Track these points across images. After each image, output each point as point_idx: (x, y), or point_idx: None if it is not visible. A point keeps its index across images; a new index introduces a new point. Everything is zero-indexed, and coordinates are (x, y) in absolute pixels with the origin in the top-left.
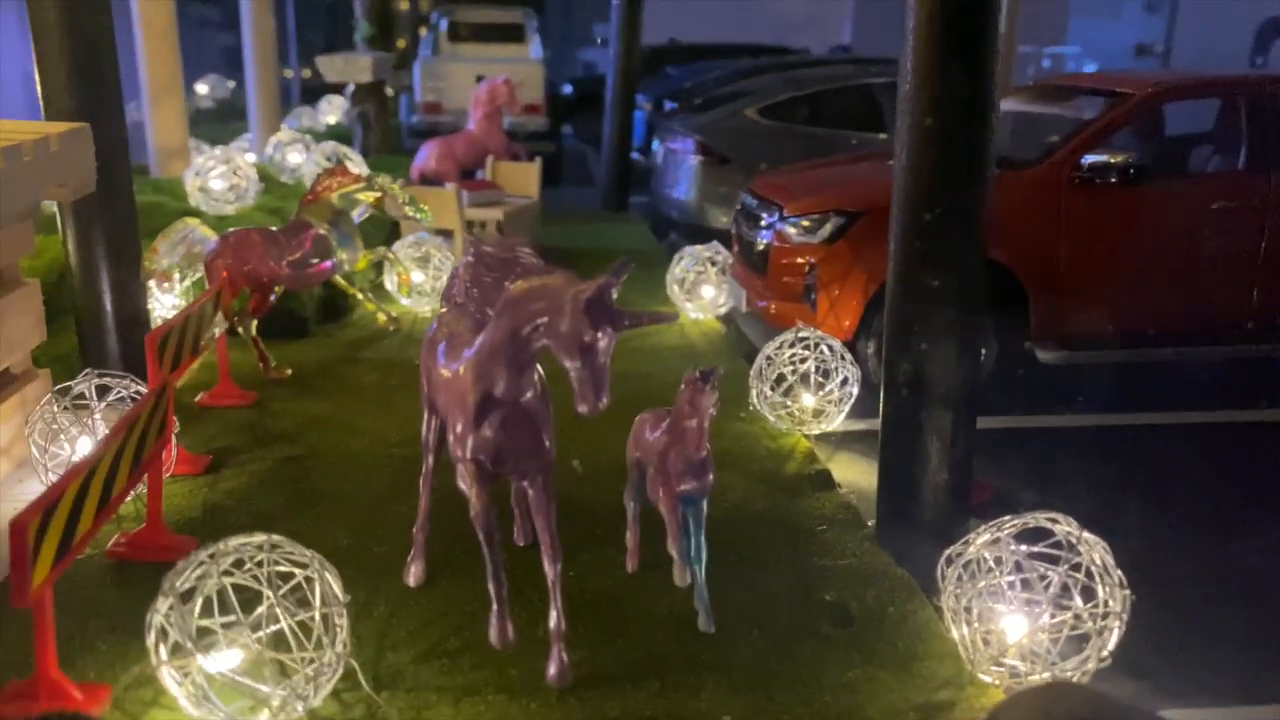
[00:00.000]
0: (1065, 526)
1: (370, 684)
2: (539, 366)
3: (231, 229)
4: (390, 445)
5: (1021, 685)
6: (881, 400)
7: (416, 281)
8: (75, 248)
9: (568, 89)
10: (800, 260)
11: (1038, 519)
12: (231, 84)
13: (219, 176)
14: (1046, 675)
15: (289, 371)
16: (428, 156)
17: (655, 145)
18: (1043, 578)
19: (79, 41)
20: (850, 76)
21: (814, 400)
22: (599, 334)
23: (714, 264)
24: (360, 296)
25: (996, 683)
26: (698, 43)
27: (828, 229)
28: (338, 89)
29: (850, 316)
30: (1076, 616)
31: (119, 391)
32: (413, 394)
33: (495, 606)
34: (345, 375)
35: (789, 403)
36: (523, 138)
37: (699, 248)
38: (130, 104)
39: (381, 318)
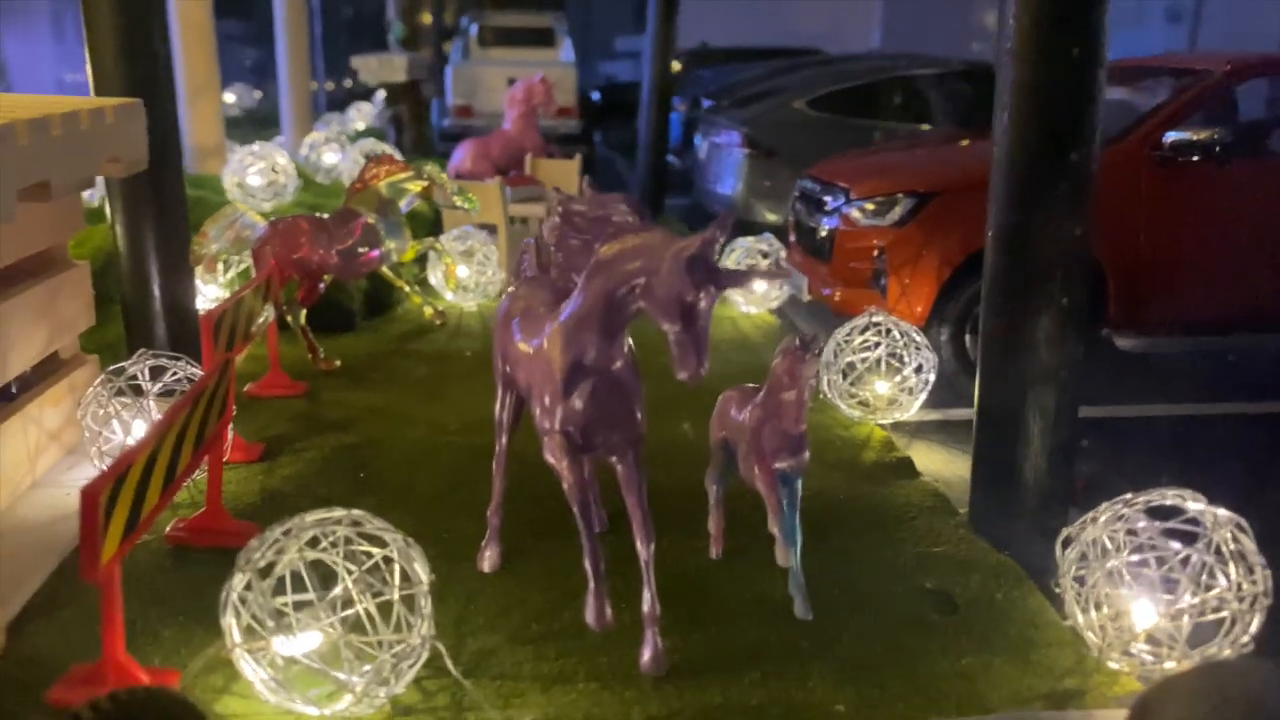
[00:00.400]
0: (1198, 503)
1: (458, 670)
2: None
3: (281, 216)
4: (449, 433)
5: (1154, 673)
6: (978, 380)
7: (461, 276)
8: (124, 232)
9: (596, 96)
10: (868, 244)
11: (1166, 496)
12: (258, 94)
13: (257, 173)
14: (1180, 663)
15: (338, 363)
16: (463, 157)
17: (697, 140)
18: (1173, 560)
19: (130, 19)
20: (897, 68)
21: (888, 388)
22: (701, 294)
23: (765, 256)
24: (407, 289)
25: (1128, 670)
26: (729, 46)
27: (898, 211)
28: (367, 96)
29: (923, 302)
30: (1220, 598)
31: (174, 373)
32: (467, 384)
33: (593, 585)
34: (395, 367)
35: (861, 391)
36: (555, 140)
37: (750, 240)
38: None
39: (428, 311)
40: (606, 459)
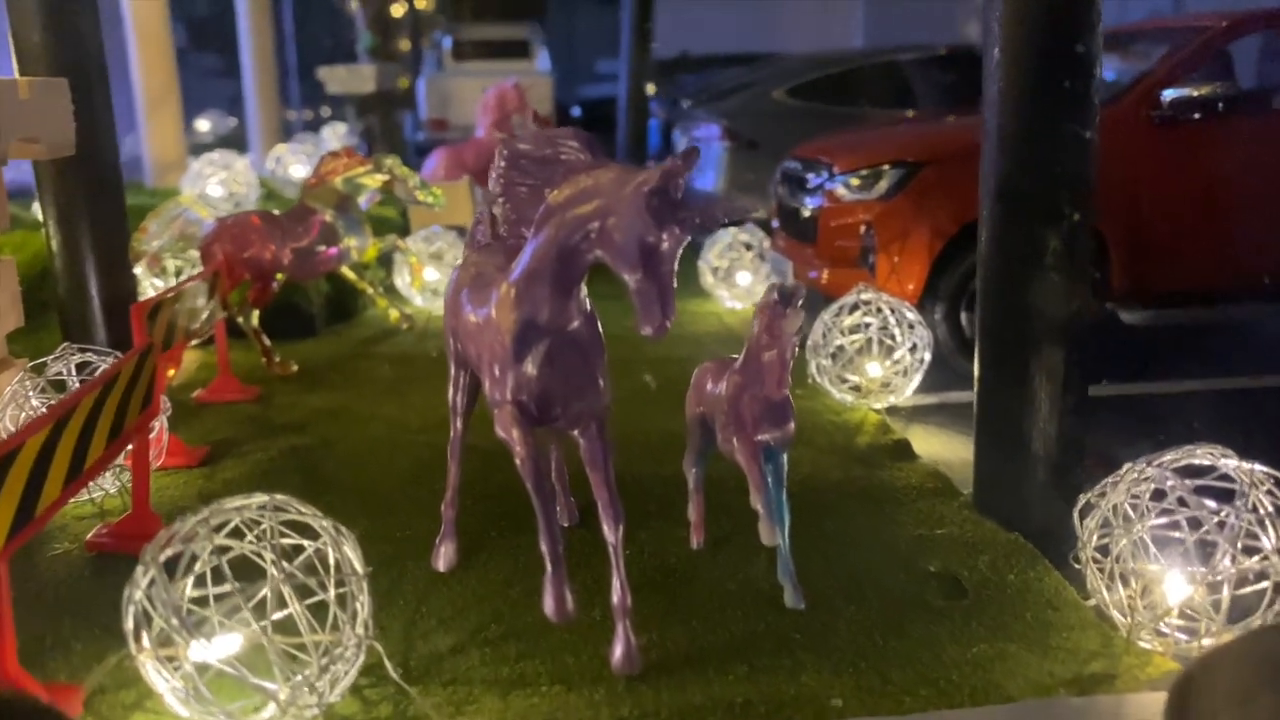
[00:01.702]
0: (1230, 459)
1: (399, 674)
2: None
3: (230, 213)
4: (410, 432)
5: (1190, 652)
6: (977, 346)
7: (429, 279)
8: (56, 227)
9: (576, 111)
10: (855, 221)
11: (1195, 453)
12: (232, 121)
13: (217, 183)
14: (1219, 639)
15: (295, 367)
16: (436, 164)
17: (676, 136)
18: (1208, 523)
19: (56, 9)
20: (878, 53)
21: (881, 370)
22: (664, 234)
23: (749, 248)
24: (370, 292)
25: (1161, 650)
26: (709, 54)
27: (884, 184)
28: (341, 117)
29: (914, 279)
30: (1263, 564)
31: (101, 368)
32: (432, 384)
33: (550, 570)
34: (357, 369)
35: (852, 375)
36: None
37: (733, 230)
38: (127, 137)
39: (394, 314)
40: (567, 432)
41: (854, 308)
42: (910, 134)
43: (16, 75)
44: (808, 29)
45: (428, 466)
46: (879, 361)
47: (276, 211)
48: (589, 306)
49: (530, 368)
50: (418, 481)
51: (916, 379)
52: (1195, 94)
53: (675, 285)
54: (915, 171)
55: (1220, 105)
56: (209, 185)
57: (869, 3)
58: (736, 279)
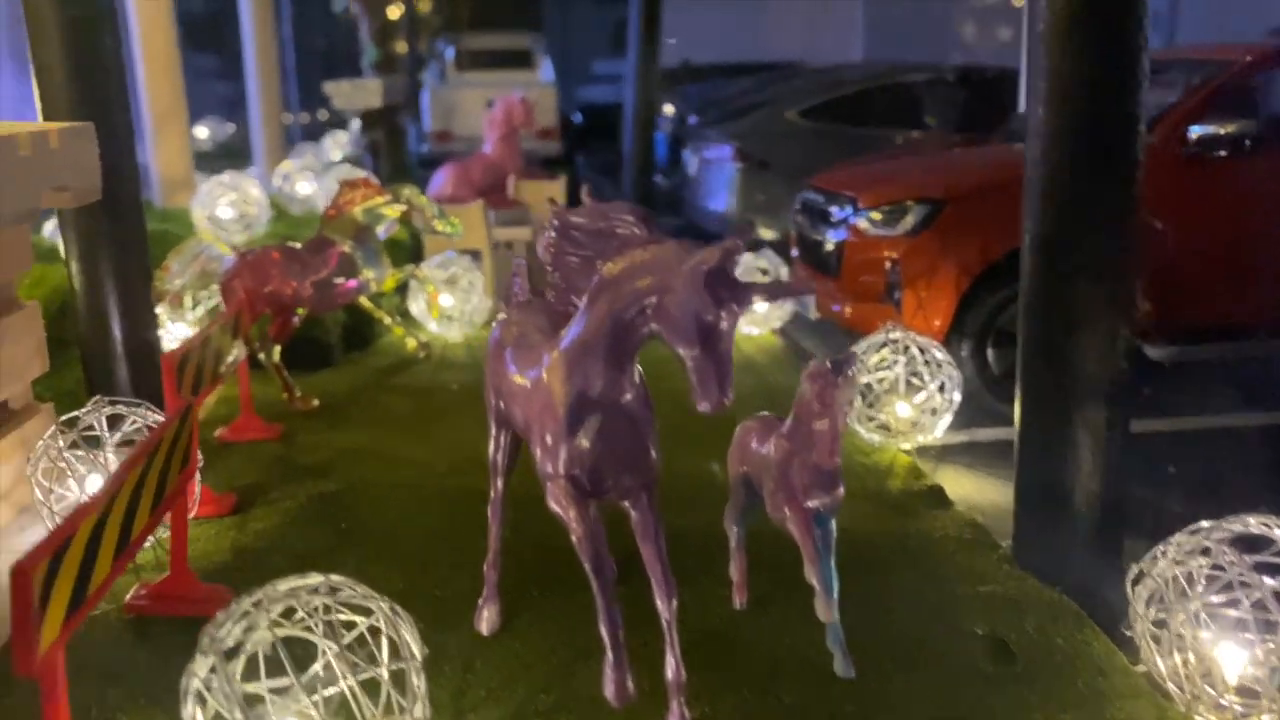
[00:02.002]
0: None
1: None
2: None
3: (250, 247)
4: (437, 475)
5: None
6: (1018, 398)
7: (445, 305)
8: (79, 268)
9: (578, 118)
10: (880, 256)
11: (1249, 523)
12: (231, 127)
13: (228, 205)
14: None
15: (316, 402)
16: (444, 182)
17: (686, 155)
18: (1267, 597)
19: (80, 30)
20: (889, 74)
21: (910, 410)
22: (723, 313)
23: (765, 274)
24: (388, 321)
25: None
26: (712, 63)
27: (910, 220)
28: (342, 125)
29: (941, 315)
30: None
31: (133, 421)
32: (455, 420)
33: (611, 656)
34: (377, 404)
35: (880, 413)
36: (537, 163)
37: (749, 257)
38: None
39: (411, 343)
40: (617, 503)
41: (881, 346)
42: (934, 168)
43: (40, 115)
44: (808, 38)
45: (461, 517)
46: (906, 400)
47: (296, 245)
48: (640, 377)
49: (583, 441)
50: (452, 532)
51: (946, 419)
52: (1222, 131)
53: (732, 362)
54: (941, 208)
55: (1248, 142)
56: (219, 207)
57: (868, 13)
58: (779, 300)
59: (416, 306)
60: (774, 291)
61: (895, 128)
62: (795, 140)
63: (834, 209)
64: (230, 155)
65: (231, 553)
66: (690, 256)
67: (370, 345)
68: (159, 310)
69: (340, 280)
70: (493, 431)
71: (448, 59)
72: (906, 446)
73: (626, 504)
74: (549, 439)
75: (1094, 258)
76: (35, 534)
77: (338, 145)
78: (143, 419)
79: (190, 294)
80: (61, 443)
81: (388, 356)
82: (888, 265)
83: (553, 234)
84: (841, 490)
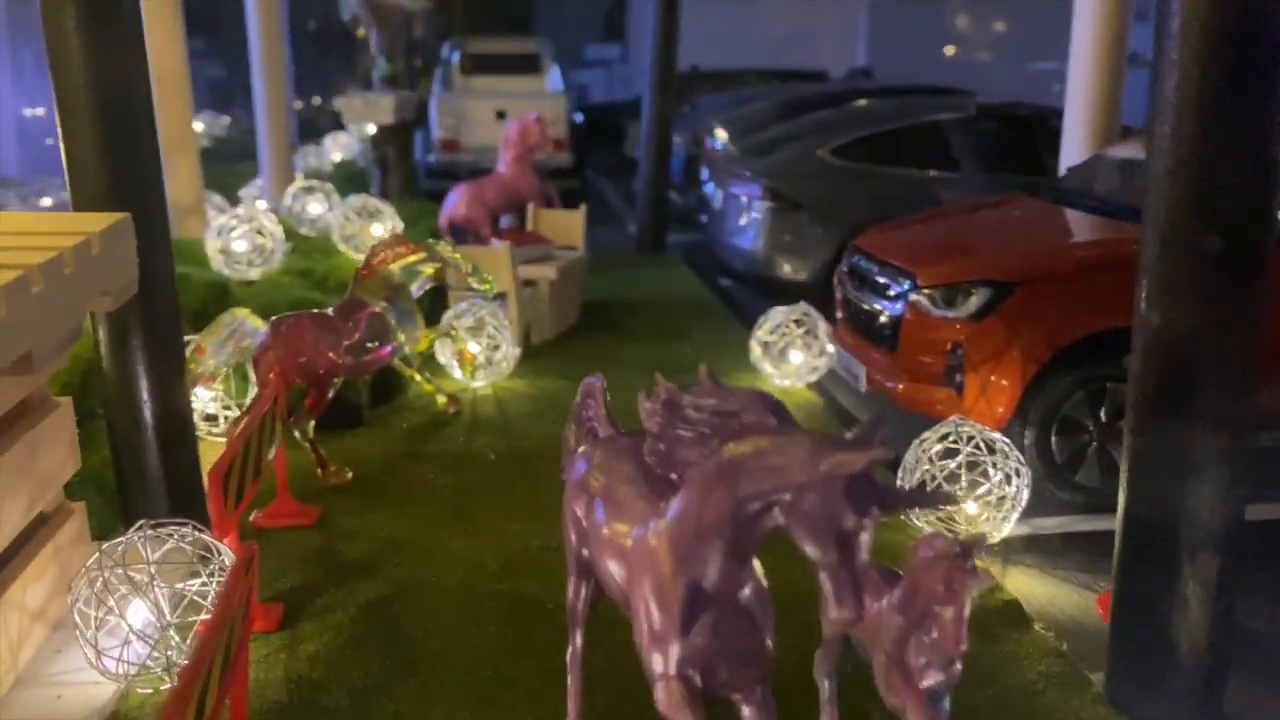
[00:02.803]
0: None
1: None
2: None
3: (282, 315)
4: (489, 579)
5: None
6: (1120, 518)
7: (472, 351)
8: (109, 350)
9: (578, 117)
10: (941, 338)
11: None
12: (226, 119)
13: (241, 237)
14: None
15: (349, 475)
16: (457, 203)
17: (710, 189)
18: None
19: (110, 99)
20: (922, 112)
21: (976, 507)
22: (864, 520)
23: (800, 325)
24: (418, 379)
25: None
26: (720, 68)
27: (974, 302)
28: (339, 124)
29: (1005, 403)
30: None
31: (173, 540)
32: (496, 502)
33: None
34: (412, 476)
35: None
36: (547, 174)
37: (783, 310)
38: None
39: (441, 400)
40: (727, 696)
41: (948, 437)
42: (998, 244)
43: (58, 124)
44: (811, 40)
45: (521, 635)
46: (969, 495)
47: (329, 311)
48: (758, 567)
49: (698, 638)
50: (516, 654)
51: (1014, 518)
52: None
53: (867, 571)
54: (1008, 291)
55: None
56: (234, 241)
57: (872, 19)
58: (789, 356)
59: (444, 355)
60: (917, 500)
61: (927, 168)
62: (827, 179)
63: (889, 282)
64: (229, 155)
65: (285, 684)
66: (828, 455)
67: (396, 397)
68: (194, 393)
69: (374, 345)
70: (573, 579)
71: (453, 63)
72: None
73: (737, 697)
74: (657, 628)
75: (1208, 409)
76: (72, 659)
77: (339, 146)
78: (184, 538)
79: (223, 372)
80: (106, 572)
81: (417, 413)
82: (949, 347)
83: (660, 405)
84: (958, 666)
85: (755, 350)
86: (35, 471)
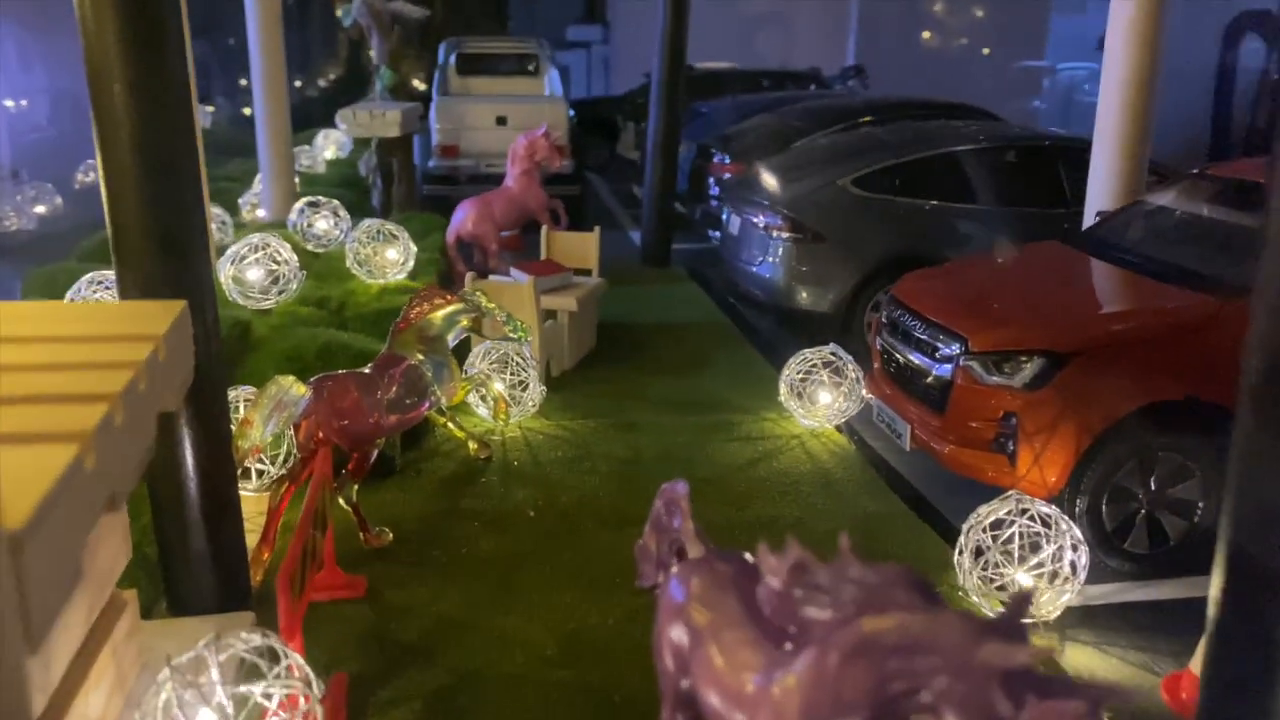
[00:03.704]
0: None
1: None
2: None
3: (322, 376)
4: (548, 662)
5: None
6: (1210, 618)
7: (498, 389)
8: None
9: (570, 114)
10: (994, 405)
11: None
12: (210, 109)
13: (255, 264)
14: None
15: (390, 536)
16: (464, 218)
17: (725, 214)
18: None
19: (157, 160)
20: (944, 141)
21: (1030, 578)
22: (1020, 713)
23: (830, 367)
24: (450, 427)
25: None
26: (714, 69)
27: (1029, 370)
28: (330, 121)
29: (1058, 473)
30: None
31: (243, 648)
32: (545, 570)
33: None
34: (453, 540)
35: (999, 576)
36: (549, 180)
37: (811, 352)
38: None
39: (473, 446)
40: None
41: (1007, 510)
42: (1051, 310)
43: (102, 187)
44: (801, 40)
45: None
46: (1025, 570)
47: (367, 369)
48: None
49: None
50: None
51: (1070, 593)
52: None
53: None
54: (1064, 362)
55: None
56: (248, 270)
57: (861, 19)
58: (818, 396)
59: (471, 395)
60: (1090, 693)
61: (949, 200)
62: (848, 211)
63: (937, 342)
64: (215, 151)
65: None
66: (982, 643)
67: (424, 440)
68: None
69: (412, 402)
70: (667, 708)
71: (450, 65)
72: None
73: None
74: None
75: None
76: None
77: (330, 143)
78: (251, 646)
79: (268, 443)
80: (174, 690)
81: (448, 459)
82: (1001, 415)
83: (786, 566)
84: None
85: (783, 389)
86: (94, 574)
